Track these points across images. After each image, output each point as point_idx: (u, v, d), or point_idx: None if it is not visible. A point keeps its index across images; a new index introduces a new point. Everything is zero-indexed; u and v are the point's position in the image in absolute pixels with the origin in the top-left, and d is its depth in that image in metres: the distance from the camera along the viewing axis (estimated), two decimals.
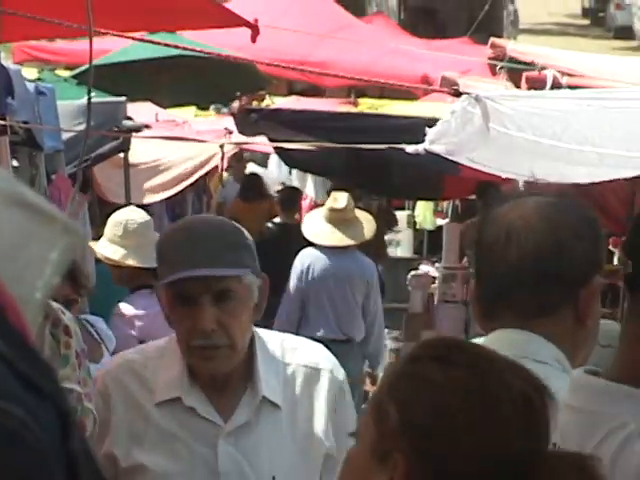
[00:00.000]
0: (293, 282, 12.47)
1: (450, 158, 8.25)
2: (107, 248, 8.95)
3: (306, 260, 12.49)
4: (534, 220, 3.78)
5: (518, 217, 3.80)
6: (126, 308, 8.80)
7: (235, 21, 8.15)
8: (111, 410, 4.01)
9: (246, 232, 4.22)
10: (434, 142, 7.80)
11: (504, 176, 9.60)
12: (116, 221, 9.00)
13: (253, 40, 6.91)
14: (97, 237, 9.61)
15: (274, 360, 4.11)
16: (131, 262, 8.86)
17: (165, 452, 3.97)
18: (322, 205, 13.81)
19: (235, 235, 4.10)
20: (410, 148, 8.60)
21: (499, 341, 3.69)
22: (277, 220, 14.77)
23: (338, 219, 12.42)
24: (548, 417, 2.81)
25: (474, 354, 2.94)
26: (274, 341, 4.21)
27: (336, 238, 12.29)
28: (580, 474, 2.77)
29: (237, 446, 3.99)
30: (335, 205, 12.54)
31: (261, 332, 4.19)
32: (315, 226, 12.59)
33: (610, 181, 7.53)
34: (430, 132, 7.79)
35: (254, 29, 6.95)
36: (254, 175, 17.16)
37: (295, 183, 18.19)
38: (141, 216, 9.13)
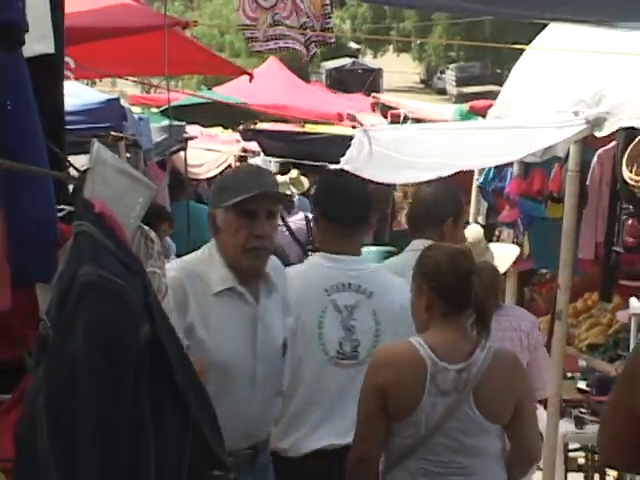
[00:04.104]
0: None
1: (355, 173, 8.06)
2: None
3: None
4: (427, 194, 4.44)
5: (423, 192, 4.54)
6: None
7: (240, 70, 8.65)
8: (187, 296, 3.23)
9: None
10: (345, 164, 7.54)
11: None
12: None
13: (250, 80, 7.48)
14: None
15: None
16: None
17: (224, 326, 3.26)
18: None
19: (275, 177, 3.53)
20: (332, 167, 8.72)
21: (412, 245, 4.25)
22: None
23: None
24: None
25: (448, 247, 3.44)
26: None
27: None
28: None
29: (264, 320, 3.33)
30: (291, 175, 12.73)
31: None
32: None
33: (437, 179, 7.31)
34: (342, 159, 7.53)
35: (250, 75, 7.46)
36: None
37: (272, 167, 18.15)
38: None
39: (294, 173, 12.92)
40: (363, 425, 3.26)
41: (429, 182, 4.99)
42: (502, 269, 4.70)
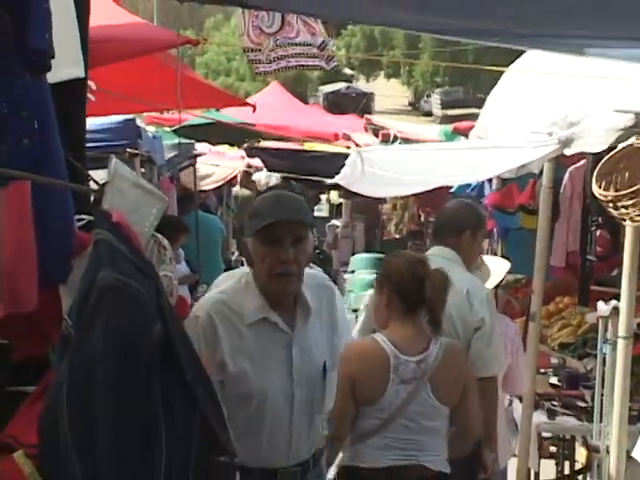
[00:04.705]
0: None
1: (348, 188, 7.82)
2: None
3: None
4: (451, 207, 4.43)
5: (448, 205, 4.47)
6: None
7: (244, 103, 8.47)
8: (217, 332, 3.00)
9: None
10: (340, 180, 7.46)
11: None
12: None
13: (253, 111, 7.34)
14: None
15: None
16: None
17: (259, 356, 3.04)
18: None
19: (305, 204, 3.14)
20: (329, 181, 8.68)
21: (432, 251, 4.26)
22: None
23: None
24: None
25: (409, 254, 3.73)
26: None
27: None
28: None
29: (300, 345, 3.09)
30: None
31: None
32: None
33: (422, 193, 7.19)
34: (337, 177, 7.43)
35: (253, 107, 7.31)
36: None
37: (273, 180, 17.97)
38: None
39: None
40: (339, 408, 3.41)
41: (457, 197, 5.19)
42: (495, 282, 4.74)
